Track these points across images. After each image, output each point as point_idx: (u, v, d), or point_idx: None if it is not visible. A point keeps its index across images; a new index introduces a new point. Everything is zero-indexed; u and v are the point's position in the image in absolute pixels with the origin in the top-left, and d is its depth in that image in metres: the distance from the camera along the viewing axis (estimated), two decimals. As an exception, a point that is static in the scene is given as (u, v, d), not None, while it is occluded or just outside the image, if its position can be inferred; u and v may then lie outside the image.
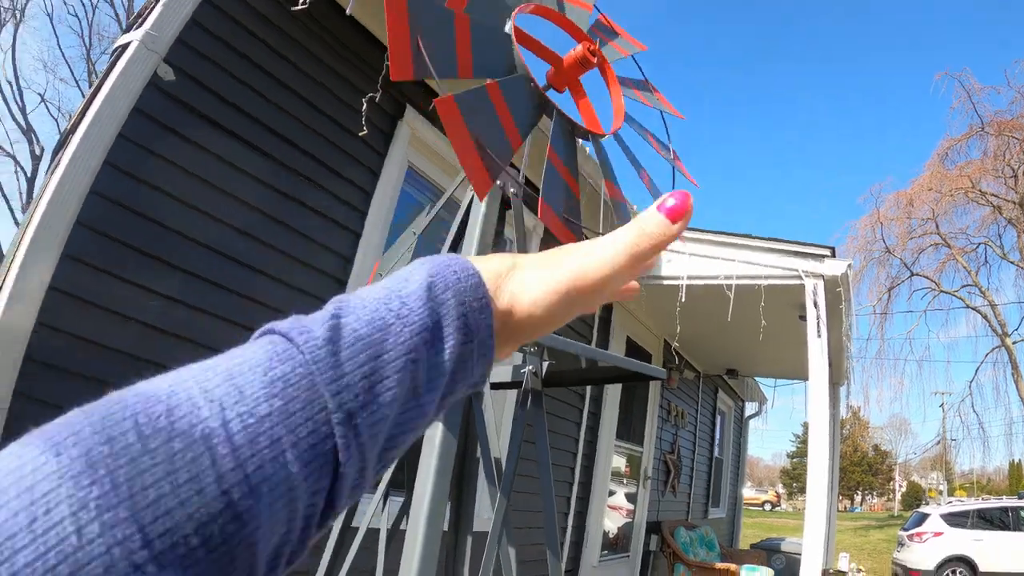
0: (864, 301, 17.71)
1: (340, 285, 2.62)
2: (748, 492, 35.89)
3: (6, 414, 1.64)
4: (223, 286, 2.18)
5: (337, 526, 1.32)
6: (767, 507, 40.50)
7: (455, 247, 1.22)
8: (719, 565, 5.18)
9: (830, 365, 5.21)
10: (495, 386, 1.31)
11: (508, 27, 1.14)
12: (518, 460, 1.24)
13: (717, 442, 8.20)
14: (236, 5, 2.21)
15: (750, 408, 9.29)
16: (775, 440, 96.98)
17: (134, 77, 1.83)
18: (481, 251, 1.12)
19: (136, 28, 1.92)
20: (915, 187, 17.38)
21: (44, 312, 1.69)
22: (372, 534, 1.30)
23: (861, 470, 39.52)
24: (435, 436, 1.05)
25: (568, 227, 1.02)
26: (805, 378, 6.04)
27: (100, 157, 1.77)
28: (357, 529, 1.30)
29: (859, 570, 10.36)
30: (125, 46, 1.84)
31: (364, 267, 2.67)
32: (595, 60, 1.09)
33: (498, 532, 1.14)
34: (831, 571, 5.34)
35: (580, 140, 1.19)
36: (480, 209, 1.17)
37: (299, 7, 2.00)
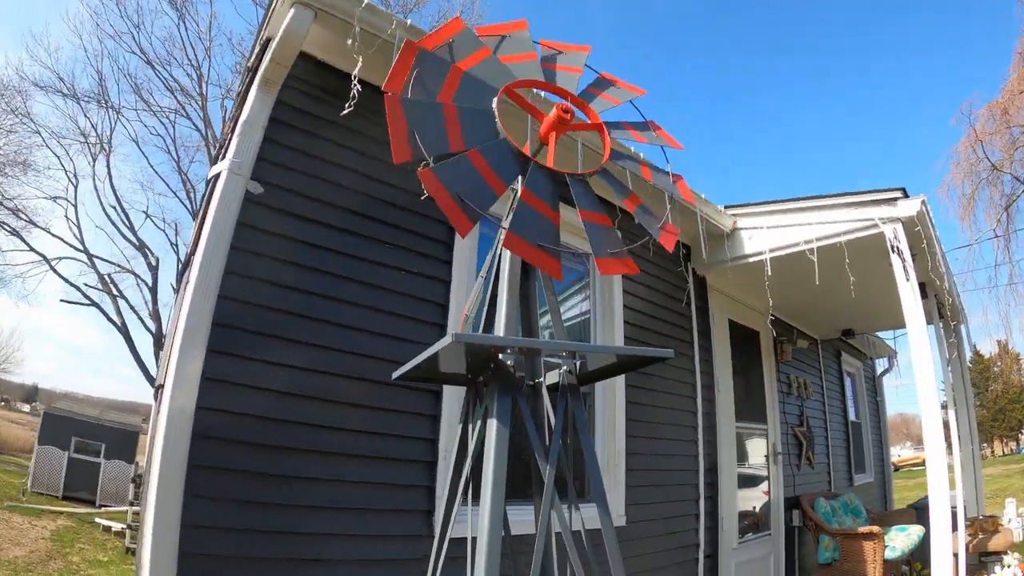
0: (983, 227, 16.01)
1: (440, 328, 2.94)
2: (907, 452, 32.92)
3: (184, 476, 2.12)
4: (337, 349, 2.58)
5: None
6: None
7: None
8: (862, 529, 5.05)
9: (940, 306, 5.01)
10: (546, 387, 1.56)
11: (493, 104, 1.45)
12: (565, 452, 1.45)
13: (851, 406, 7.89)
14: (298, 116, 2.66)
15: (880, 365, 8.84)
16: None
17: (230, 198, 2.30)
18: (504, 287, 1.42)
19: (222, 159, 2.41)
20: (1006, 94, 15.57)
21: (201, 396, 2.17)
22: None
23: (1021, 406, 35.03)
24: (490, 448, 1.32)
25: (544, 251, 1.29)
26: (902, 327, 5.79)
27: (220, 268, 2.25)
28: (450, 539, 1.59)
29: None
30: (217, 176, 2.33)
31: (457, 309, 3.00)
32: (568, 117, 1.37)
33: (545, 528, 1.34)
34: (981, 518, 5.07)
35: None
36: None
37: (345, 111, 2.40)
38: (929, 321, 5.06)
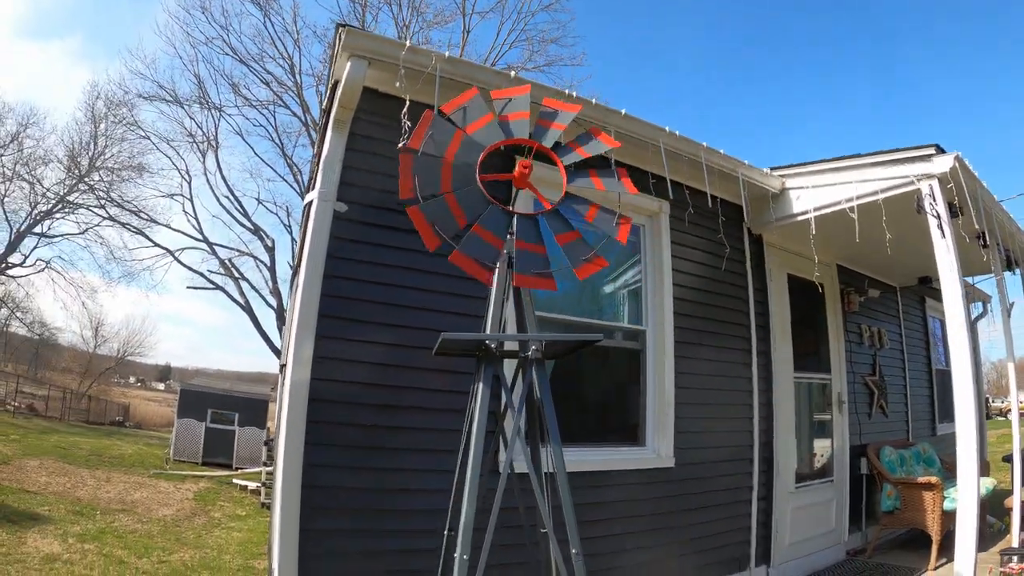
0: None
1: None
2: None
3: (304, 431, 2.99)
4: (416, 327, 3.35)
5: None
6: None
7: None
8: (921, 480, 5.34)
9: (1009, 253, 5.13)
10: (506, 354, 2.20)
11: (477, 160, 2.12)
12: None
13: (939, 353, 7.94)
14: (368, 143, 3.41)
15: (974, 311, 8.71)
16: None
17: (322, 220, 3.12)
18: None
19: (312, 189, 3.22)
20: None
21: (314, 370, 3.03)
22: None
23: None
24: (475, 400, 2.02)
25: (539, 277, 1.96)
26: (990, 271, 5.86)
27: (319, 274, 3.09)
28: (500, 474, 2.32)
29: None
30: (310, 203, 3.13)
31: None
32: (528, 173, 2.02)
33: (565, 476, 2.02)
34: None
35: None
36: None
37: (401, 144, 3.11)
38: (992, 271, 5.24)
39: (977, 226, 4.50)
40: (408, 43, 3.19)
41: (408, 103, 3.16)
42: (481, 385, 1.99)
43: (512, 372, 2.34)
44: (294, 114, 24.73)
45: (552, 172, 2.34)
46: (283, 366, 3.55)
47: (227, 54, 22.66)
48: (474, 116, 2.17)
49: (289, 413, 2.99)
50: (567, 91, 3.86)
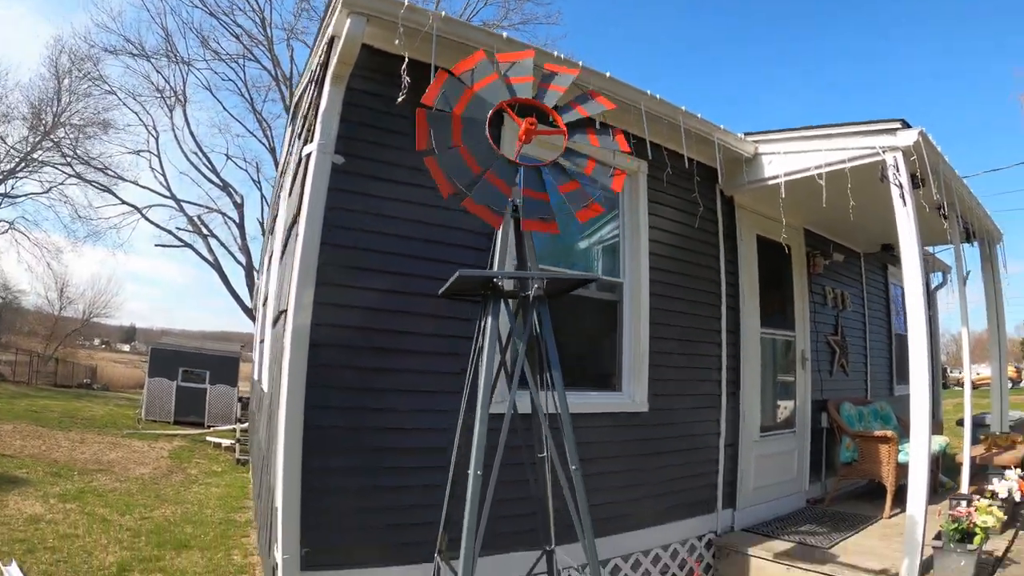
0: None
1: (482, 253, 3.74)
2: (984, 370, 32.16)
3: (305, 374, 3.18)
4: (411, 275, 3.55)
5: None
6: (1008, 384, 36.13)
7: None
8: (877, 433, 5.76)
9: (968, 226, 5.48)
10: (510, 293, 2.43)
11: (487, 116, 2.30)
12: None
13: (899, 319, 8.40)
14: (365, 98, 3.53)
15: (935, 280, 9.23)
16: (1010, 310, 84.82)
17: (321, 171, 3.27)
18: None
19: (311, 141, 3.35)
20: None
21: (314, 315, 3.20)
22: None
23: None
24: (485, 334, 2.24)
25: (543, 222, 2.17)
26: (962, 241, 6.22)
27: (319, 221, 3.24)
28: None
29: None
30: (309, 155, 3.27)
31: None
32: (534, 128, 2.20)
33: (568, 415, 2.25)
34: (998, 434, 5.71)
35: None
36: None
37: (400, 99, 3.24)
38: (951, 241, 5.60)
39: (936, 197, 4.81)
40: (406, 1, 3.30)
41: (407, 60, 3.28)
42: (490, 319, 2.21)
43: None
44: (264, 68, 24.27)
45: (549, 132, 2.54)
46: (283, 312, 3.71)
47: (196, 6, 22.05)
48: (481, 75, 2.35)
49: (291, 357, 3.17)
50: (553, 52, 4.02)
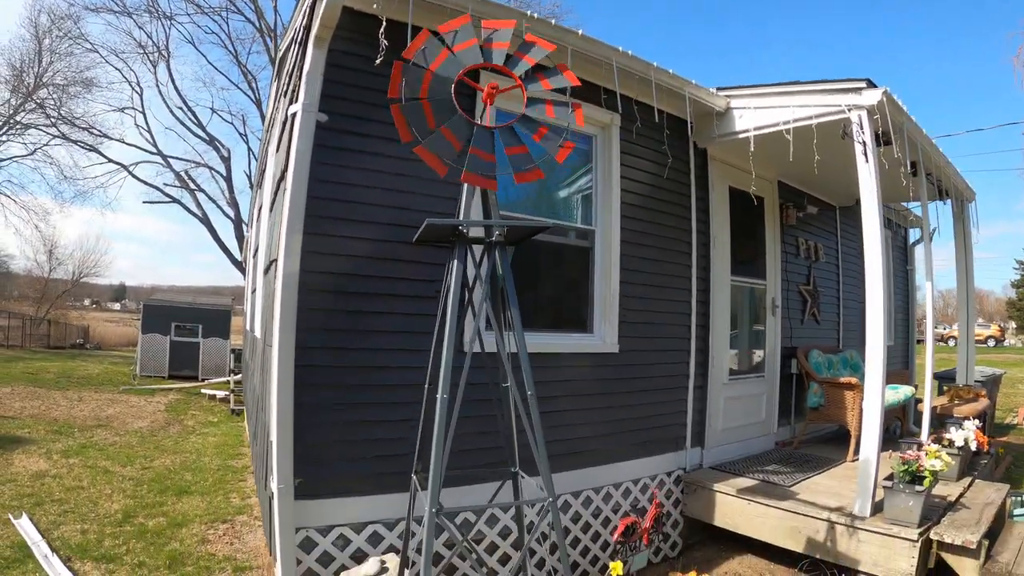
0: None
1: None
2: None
3: (296, 316, 3.51)
4: (396, 224, 3.86)
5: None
6: (991, 343, 37.50)
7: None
8: (843, 380, 6.14)
9: (939, 183, 5.76)
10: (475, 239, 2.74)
11: (451, 91, 2.57)
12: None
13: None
14: (347, 58, 3.78)
15: (912, 236, 9.58)
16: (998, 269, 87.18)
17: (306, 129, 3.54)
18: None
19: (295, 102, 3.61)
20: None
21: (303, 262, 3.54)
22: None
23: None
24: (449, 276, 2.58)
25: (483, 177, 2.47)
26: (937, 198, 6.53)
27: (306, 174, 3.53)
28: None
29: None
30: (295, 114, 3.54)
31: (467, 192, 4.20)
32: (495, 90, 2.49)
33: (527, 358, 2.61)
34: (962, 387, 6.12)
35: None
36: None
37: (378, 61, 3.49)
38: (920, 199, 5.93)
39: (898, 155, 5.09)
40: (385, -36, 3.53)
41: (385, 22, 3.52)
42: (456, 262, 2.55)
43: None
44: (248, 20, 23.99)
45: (516, 91, 2.81)
46: (273, 261, 4.03)
47: (177, -43, 21.60)
48: (433, 55, 2.61)
49: (282, 300, 3.50)
50: (530, 13, 4.24)
